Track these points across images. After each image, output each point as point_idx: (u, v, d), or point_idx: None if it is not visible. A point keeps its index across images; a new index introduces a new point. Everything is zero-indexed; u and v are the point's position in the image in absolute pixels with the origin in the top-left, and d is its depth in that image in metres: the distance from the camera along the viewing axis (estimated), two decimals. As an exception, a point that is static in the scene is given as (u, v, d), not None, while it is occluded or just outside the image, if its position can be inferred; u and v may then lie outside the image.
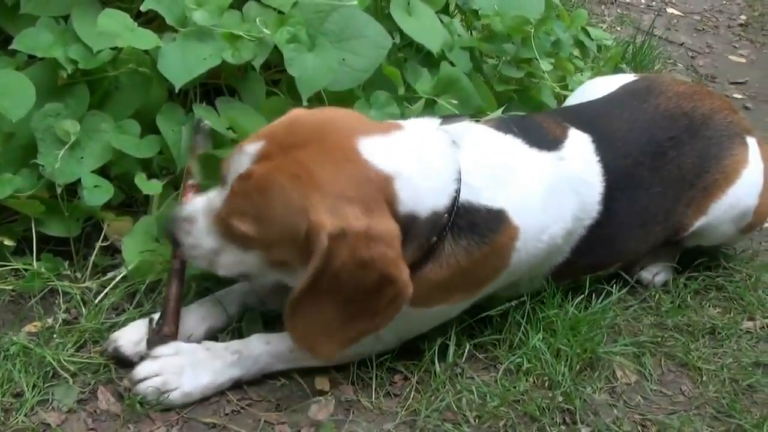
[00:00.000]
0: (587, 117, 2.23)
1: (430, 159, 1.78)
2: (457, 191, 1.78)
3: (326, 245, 1.57)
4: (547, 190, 1.95)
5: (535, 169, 1.97)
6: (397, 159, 1.71)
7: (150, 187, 2.11)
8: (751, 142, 2.36)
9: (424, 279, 1.78)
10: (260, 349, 1.83)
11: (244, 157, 1.68)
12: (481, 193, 1.83)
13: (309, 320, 1.69)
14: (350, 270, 1.61)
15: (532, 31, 2.78)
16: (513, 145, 1.99)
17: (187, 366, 1.75)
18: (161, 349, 1.77)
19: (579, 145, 2.09)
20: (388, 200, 1.67)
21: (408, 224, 1.70)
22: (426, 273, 1.79)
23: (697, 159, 2.26)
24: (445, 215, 1.77)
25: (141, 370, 1.73)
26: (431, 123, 1.91)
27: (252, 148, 1.68)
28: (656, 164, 2.20)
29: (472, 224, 1.81)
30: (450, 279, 1.82)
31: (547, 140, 2.04)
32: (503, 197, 1.85)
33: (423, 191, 1.74)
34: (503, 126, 2.04)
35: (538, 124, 2.11)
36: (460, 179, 1.79)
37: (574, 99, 2.62)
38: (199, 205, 1.78)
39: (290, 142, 1.67)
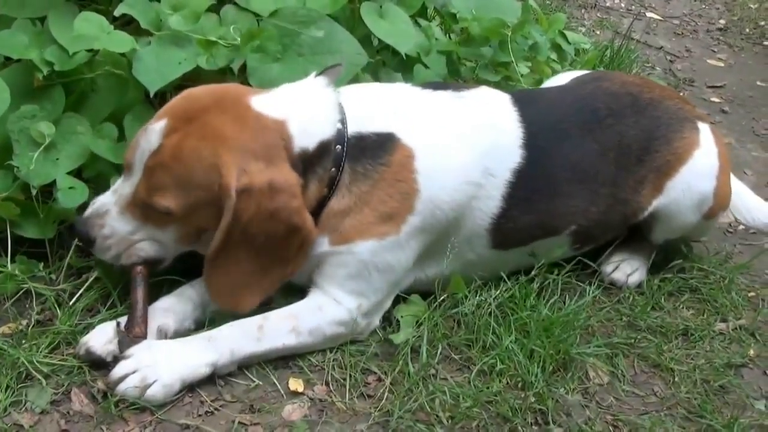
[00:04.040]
0: (522, 92, 2.36)
1: (309, 99, 1.97)
2: (342, 122, 1.95)
3: (234, 201, 1.76)
4: (439, 118, 2.09)
5: (425, 102, 2.13)
6: (283, 106, 1.91)
7: (127, 189, 2.10)
8: (704, 127, 2.40)
9: (332, 211, 1.95)
10: (228, 329, 1.87)
11: (152, 136, 1.81)
12: (366, 122, 1.99)
13: (227, 276, 1.87)
14: (259, 222, 1.81)
15: (510, 34, 2.81)
16: (401, 87, 2.20)
17: (161, 358, 1.77)
18: (134, 348, 1.77)
19: (487, 94, 2.23)
20: (286, 143, 1.86)
21: (303, 159, 1.89)
22: (332, 206, 1.95)
23: (643, 134, 2.30)
24: (337, 146, 1.93)
25: (118, 370, 1.74)
26: (307, 78, 2.06)
27: (157, 126, 1.83)
28: (588, 126, 2.26)
29: (364, 149, 1.97)
30: (357, 206, 1.94)
31: (448, 87, 2.20)
32: (391, 123, 2.01)
33: (307, 125, 1.91)
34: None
35: (446, 83, 2.29)
36: (344, 113, 1.97)
37: None
38: (107, 198, 1.91)
39: (191, 112, 1.84)
